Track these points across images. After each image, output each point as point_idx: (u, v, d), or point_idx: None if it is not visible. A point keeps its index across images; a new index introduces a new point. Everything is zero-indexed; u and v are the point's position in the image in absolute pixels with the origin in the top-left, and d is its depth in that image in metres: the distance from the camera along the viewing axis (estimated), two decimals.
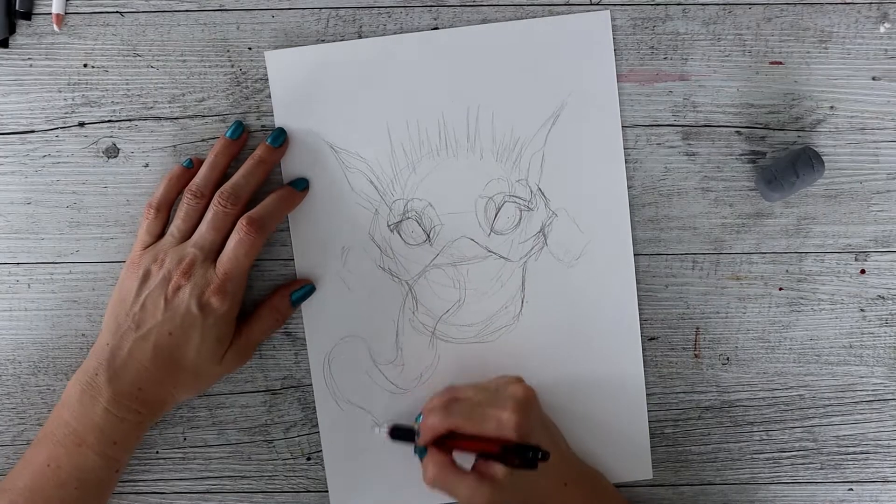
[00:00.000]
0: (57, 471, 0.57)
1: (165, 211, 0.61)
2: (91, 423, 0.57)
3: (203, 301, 0.57)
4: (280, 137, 0.61)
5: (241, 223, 0.58)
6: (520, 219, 0.63)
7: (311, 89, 0.62)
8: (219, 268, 0.58)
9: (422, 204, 0.62)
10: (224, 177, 0.61)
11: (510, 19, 0.62)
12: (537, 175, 0.63)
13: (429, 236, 0.63)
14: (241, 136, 0.62)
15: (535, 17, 0.62)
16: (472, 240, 0.63)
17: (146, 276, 0.58)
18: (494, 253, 0.63)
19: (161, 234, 0.61)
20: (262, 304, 0.62)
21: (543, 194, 0.63)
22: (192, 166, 0.61)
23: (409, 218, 0.63)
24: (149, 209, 0.61)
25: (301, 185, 0.62)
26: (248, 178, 0.60)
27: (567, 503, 0.60)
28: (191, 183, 0.60)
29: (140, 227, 0.61)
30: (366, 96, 0.62)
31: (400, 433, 0.61)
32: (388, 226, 0.63)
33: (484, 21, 0.62)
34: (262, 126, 0.63)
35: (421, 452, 0.60)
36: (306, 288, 0.62)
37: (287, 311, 0.62)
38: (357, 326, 0.63)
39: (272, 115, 0.62)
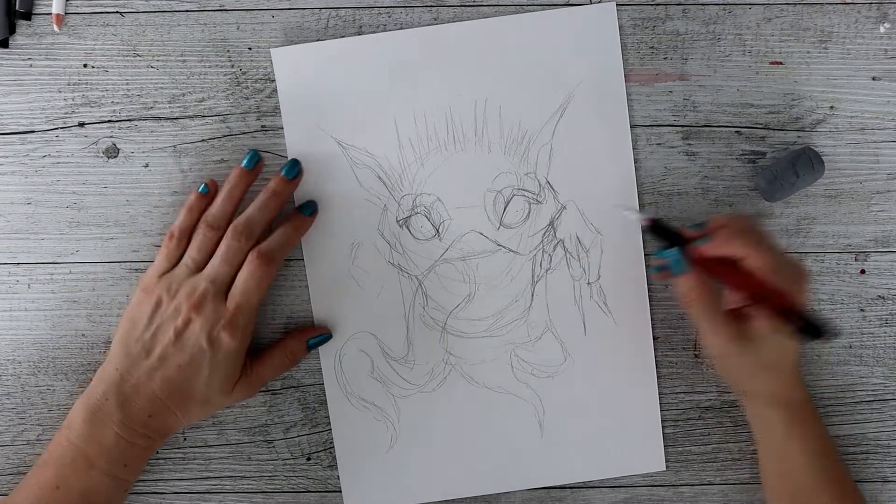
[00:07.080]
0: (67, 493, 0.57)
1: (186, 238, 0.60)
2: (101, 446, 0.57)
3: (213, 336, 0.57)
4: (294, 169, 0.61)
5: (252, 256, 0.58)
6: (528, 212, 0.63)
7: (317, 85, 0.62)
8: (230, 301, 0.58)
9: (430, 199, 0.62)
10: (240, 206, 0.61)
11: None
12: (545, 168, 0.63)
13: (438, 231, 0.63)
14: (256, 166, 0.61)
15: None
16: (482, 234, 0.63)
17: (158, 305, 0.58)
18: (504, 247, 0.63)
19: (179, 260, 0.60)
20: (276, 344, 0.62)
21: (552, 187, 0.63)
22: (207, 192, 0.61)
23: (417, 213, 0.63)
24: (170, 237, 0.60)
25: (309, 210, 0.62)
26: (263, 212, 0.60)
27: (791, 396, 0.59)
28: (206, 213, 0.60)
29: (159, 252, 0.60)
30: (373, 91, 0.62)
31: (662, 231, 0.58)
32: (397, 221, 0.63)
33: None
34: (262, 126, 0.63)
35: (675, 263, 0.57)
36: (323, 336, 0.62)
37: (301, 355, 0.62)
38: (367, 323, 0.63)
39: (272, 116, 0.62)
